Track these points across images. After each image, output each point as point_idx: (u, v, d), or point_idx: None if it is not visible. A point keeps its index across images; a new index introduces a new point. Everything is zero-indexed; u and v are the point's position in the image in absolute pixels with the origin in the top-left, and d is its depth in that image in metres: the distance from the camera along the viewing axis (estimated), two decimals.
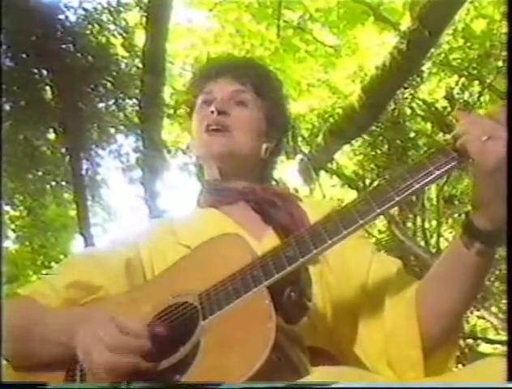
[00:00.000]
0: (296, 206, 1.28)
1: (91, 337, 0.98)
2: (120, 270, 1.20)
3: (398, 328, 1.08)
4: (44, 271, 6.21)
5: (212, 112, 1.33)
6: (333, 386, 0.77)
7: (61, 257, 6.24)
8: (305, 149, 6.01)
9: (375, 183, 6.02)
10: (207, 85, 1.41)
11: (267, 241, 1.18)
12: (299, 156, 5.67)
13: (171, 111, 5.18)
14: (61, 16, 4.67)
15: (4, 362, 1.17)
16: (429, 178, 0.98)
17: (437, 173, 0.98)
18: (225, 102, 1.35)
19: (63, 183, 5.17)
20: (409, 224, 6.26)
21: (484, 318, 6.06)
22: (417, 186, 0.98)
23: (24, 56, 4.48)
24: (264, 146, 1.39)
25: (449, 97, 5.89)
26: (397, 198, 0.98)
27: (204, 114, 1.37)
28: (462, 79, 5.93)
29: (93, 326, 1.00)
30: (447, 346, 1.10)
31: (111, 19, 5.04)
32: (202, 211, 1.35)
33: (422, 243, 6.01)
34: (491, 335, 6.44)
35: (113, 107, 5.06)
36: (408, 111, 6.03)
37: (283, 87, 1.54)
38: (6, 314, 1.18)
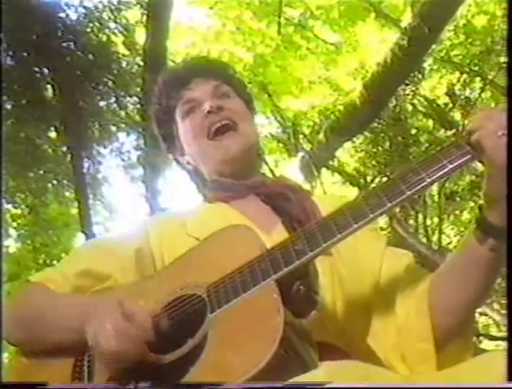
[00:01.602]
0: (307, 199, 1.27)
1: (99, 324, 0.99)
2: (129, 259, 1.20)
3: (409, 322, 1.08)
4: (48, 269, 6.20)
5: (209, 112, 1.31)
6: (328, 386, 0.77)
7: (63, 255, 6.23)
8: (307, 146, 6.02)
9: (376, 180, 6.02)
10: (182, 94, 1.36)
11: (277, 234, 1.17)
12: (300, 154, 5.67)
13: None
14: (62, 14, 4.68)
15: (6, 360, 1.17)
16: (442, 172, 0.97)
17: (450, 166, 0.97)
18: (213, 99, 1.33)
19: (64, 181, 5.18)
20: (411, 221, 6.27)
21: (486, 315, 6.07)
22: (429, 180, 0.97)
23: (25, 54, 4.48)
24: (256, 128, 1.42)
25: (450, 94, 5.89)
26: (408, 193, 0.97)
27: (197, 121, 1.33)
28: (464, 76, 5.93)
29: (100, 313, 1.01)
30: (460, 340, 1.09)
31: (111, 17, 5.05)
32: (212, 206, 1.34)
33: (424, 240, 6.02)
34: (493, 331, 6.44)
35: (114, 105, 5.06)
36: (410, 108, 6.03)
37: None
38: (17, 300, 1.19)
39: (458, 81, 5.95)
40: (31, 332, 1.13)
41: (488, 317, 6.12)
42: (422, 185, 0.97)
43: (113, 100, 5.04)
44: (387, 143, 5.95)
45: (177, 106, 1.37)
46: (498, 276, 1.05)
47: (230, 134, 1.30)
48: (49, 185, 5.15)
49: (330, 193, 5.99)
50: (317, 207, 1.22)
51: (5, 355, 1.39)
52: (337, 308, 1.14)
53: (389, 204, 0.97)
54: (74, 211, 5.55)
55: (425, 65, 5.73)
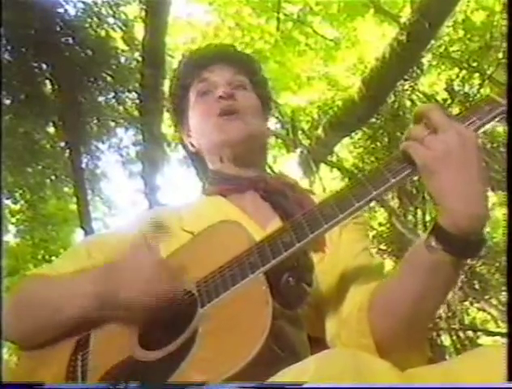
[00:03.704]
0: (306, 197, 1.27)
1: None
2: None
3: (350, 317, 1.07)
4: (44, 265, 6.23)
5: (221, 97, 1.33)
6: (305, 386, 0.76)
7: (62, 251, 6.24)
8: (305, 142, 6.01)
9: None
10: (201, 74, 1.40)
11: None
12: (299, 149, 5.66)
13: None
14: (61, 10, 4.66)
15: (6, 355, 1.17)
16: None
17: None
18: (228, 86, 1.36)
19: (63, 177, 5.19)
20: (410, 217, 6.26)
21: (484, 310, 6.08)
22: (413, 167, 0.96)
23: (24, 50, 4.48)
24: (266, 127, 1.45)
25: (449, 89, 5.89)
26: (393, 181, 0.96)
27: (209, 103, 1.36)
28: (463, 72, 5.92)
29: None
30: (409, 352, 1.03)
31: (110, 12, 5.04)
32: (210, 199, 1.35)
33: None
34: (491, 327, 6.45)
35: (113, 100, 5.06)
36: (408, 103, 6.01)
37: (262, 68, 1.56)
38: (16, 293, 1.19)
39: (457, 77, 5.93)
40: (35, 318, 1.12)
41: (487, 312, 6.13)
42: (406, 172, 0.97)
43: (112, 95, 5.04)
44: (386, 139, 5.94)
45: (193, 84, 1.41)
46: (446, 284, 0.98)
47: (233, 119, 1.32)
48: (48, 180, 5.16)
49: (329, 189, 6.00)
50: None
51: (4, 350, 1.39)
52: (318, 301, 1.14)
53: (374, 193, 0.97)
54: (73, 206, 5.56)
55: (424, 60, 5.72)
